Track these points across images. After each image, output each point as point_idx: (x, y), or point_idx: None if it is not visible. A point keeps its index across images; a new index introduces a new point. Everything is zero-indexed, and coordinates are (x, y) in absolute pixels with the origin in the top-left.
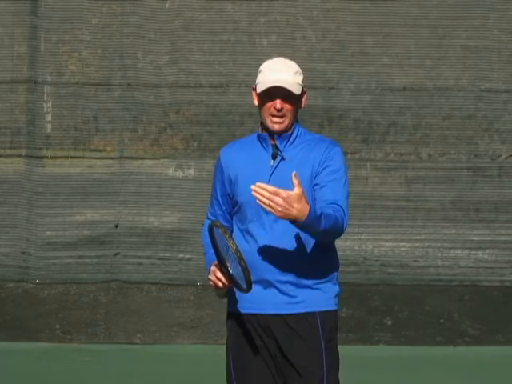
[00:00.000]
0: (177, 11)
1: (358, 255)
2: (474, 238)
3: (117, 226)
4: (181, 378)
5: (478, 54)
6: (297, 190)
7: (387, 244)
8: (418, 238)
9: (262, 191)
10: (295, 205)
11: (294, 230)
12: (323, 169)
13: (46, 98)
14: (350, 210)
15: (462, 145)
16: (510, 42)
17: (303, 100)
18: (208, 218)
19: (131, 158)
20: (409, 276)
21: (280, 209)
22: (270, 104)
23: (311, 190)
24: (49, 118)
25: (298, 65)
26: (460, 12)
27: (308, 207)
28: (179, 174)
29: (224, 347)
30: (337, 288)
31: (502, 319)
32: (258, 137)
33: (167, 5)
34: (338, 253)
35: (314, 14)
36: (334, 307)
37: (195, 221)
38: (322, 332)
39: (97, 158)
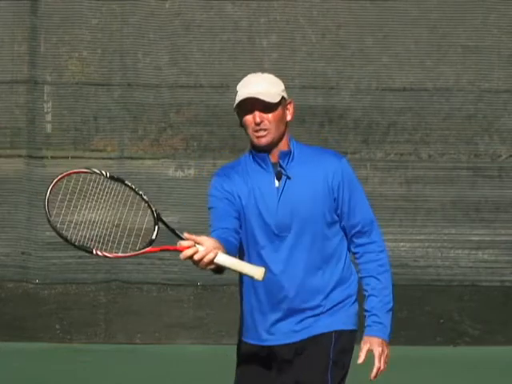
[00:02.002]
0: (177, 11)
1: None
2: (474, 238)
3: (117, 227)
4: (181, 378)
5: (478, 54)
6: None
7: (387, 244)
8: (418, 237)
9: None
10: (384, 351)
11: (310, 256)
12: (341, 194)
13: (45, 98)
14: None
15: (461, 145)
16: (510, 42)
17: (290, 111)
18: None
19: (131, 158)
20: (409, 276)
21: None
22: (250, 120)
23: (326, 205)
24: (49, 118)
25: (298, 65)
26: (460, 12)
27: (378, 337)
28: (179, 173)
29: (224, 347)
30: (355, 306)
31: (502, 319)
32: (254, 158)
33: (167, 5)
34: None
35: (314, 14)
36: (350, 327)
37: (195, 221)
38: (332, 349)
39: (97, 158)
